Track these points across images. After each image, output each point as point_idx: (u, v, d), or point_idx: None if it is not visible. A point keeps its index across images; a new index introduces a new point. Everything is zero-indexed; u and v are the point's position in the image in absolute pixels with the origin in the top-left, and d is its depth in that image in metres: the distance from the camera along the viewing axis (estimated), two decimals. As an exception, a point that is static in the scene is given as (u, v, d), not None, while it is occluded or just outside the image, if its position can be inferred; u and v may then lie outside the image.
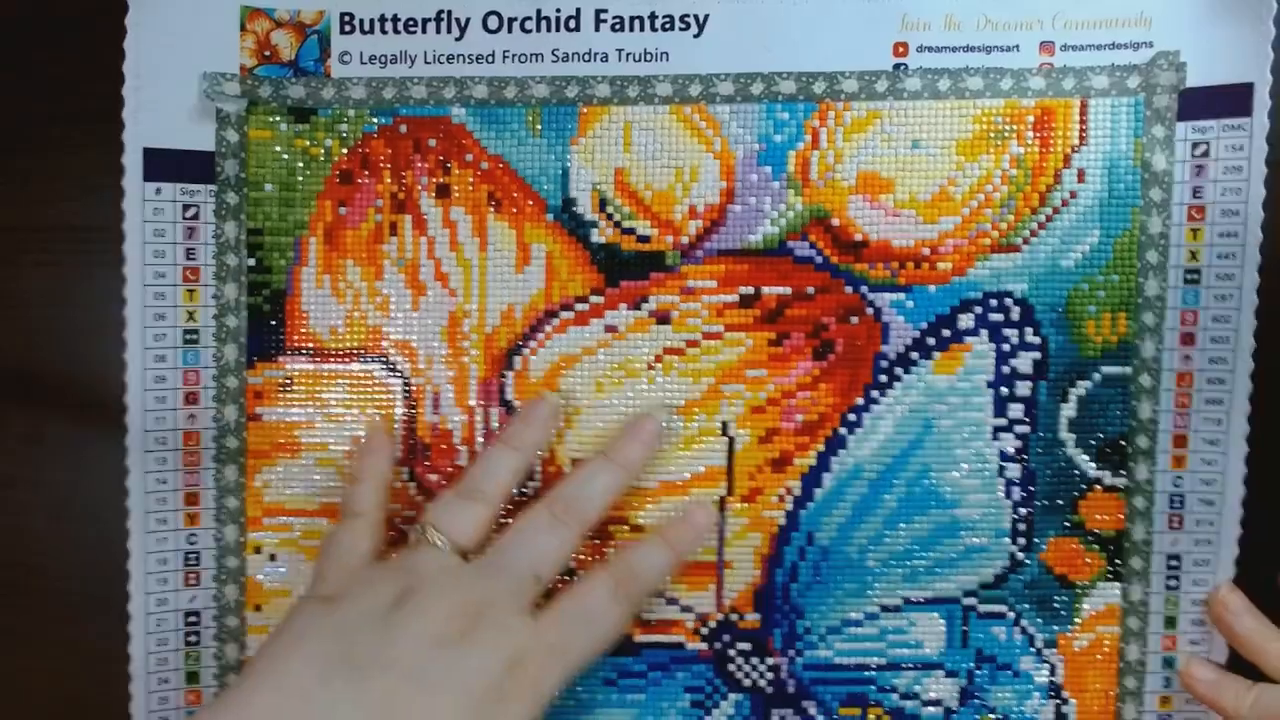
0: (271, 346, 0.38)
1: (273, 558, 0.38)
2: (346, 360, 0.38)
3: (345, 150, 0.37)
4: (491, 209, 0.37)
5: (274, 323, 0.38)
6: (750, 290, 0.37)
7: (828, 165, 0.37)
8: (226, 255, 0.37)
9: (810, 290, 0.37)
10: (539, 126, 0.37)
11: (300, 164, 0.37)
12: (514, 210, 0.37)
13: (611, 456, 0.36)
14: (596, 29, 0.37)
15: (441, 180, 0.37)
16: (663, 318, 0.38)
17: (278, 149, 0.37)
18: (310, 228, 0.37)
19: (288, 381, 0.38)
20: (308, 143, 0.37)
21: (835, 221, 0.37)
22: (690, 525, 0.36)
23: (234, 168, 0.37)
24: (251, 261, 0.37)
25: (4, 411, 0.40)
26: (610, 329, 0.38)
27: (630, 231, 0.37)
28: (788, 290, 0.37)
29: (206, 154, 0.37)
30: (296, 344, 0.38)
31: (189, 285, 0.37)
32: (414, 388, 0.38)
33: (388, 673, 0.30)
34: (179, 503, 0.38)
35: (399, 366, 0.38)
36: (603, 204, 0.37)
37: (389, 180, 0.37)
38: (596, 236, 0.37)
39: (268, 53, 0.37)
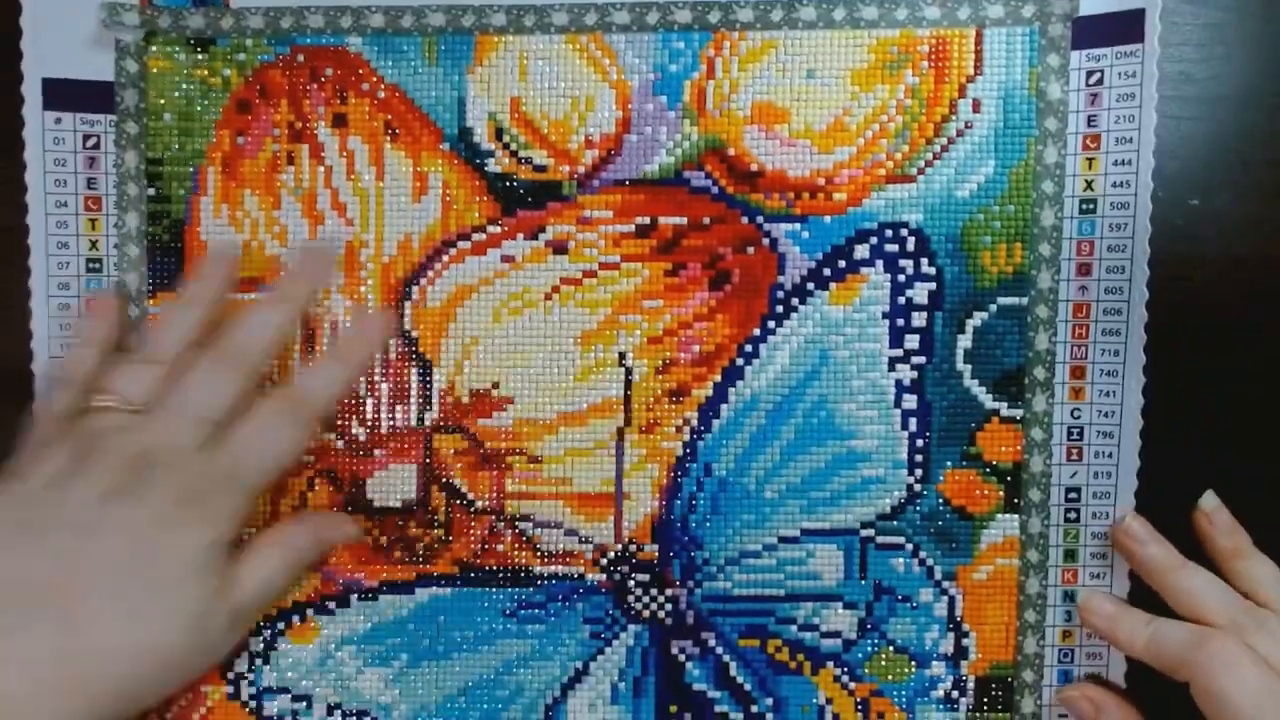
0: (172, 275, 0.38)
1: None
2: (245, 289, 0.38)
3: (243, 80, 0.38)
4: (388, 138, 0.38)
5: (174, 252, 0.38)
6: (646, 220, 0.38)
7: (723, 95, 0.37)
8: (127, 185, 0.38)
9: (706, 220, 0.38)
10: (435, 56, 0.37)
11: (198, 94, 0.38)
12: (410, 139, 0.38)
13: (275, 293, 0.37)
14: (493, -41, 0.37)
15: (338, 109, 0.38)
16: (559, 248, 0.38)
17: (176, 79, 0.37)
18: (209, 157, 0.38)
19: (188, 311, 0.38)
20: (206, 73, 0.38)
21: (731, 151, 0.37)
22: (363, 337, 0.37)
23: (133, 98, 0.37)
24: (151, 191, 0.38)
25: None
26: (507, 259, 0.38)
27: (527, 161, 0.38)
28: (684, 220, 0.38)
29: (106, 84, 0.37)
30: (196, 273, 0.38)
31: (91, 214, 0.38)
32: (312, 318, 0.38)
33: (61, 530, 0.31)
34: (80, 430, 0.38)
35: (298, 296, 0.38)
36: (499, 133, 0.38)
37: (286, 110, 0.38)
38: (493, 166, 0.38)
39: (168, -17, 0.37)
